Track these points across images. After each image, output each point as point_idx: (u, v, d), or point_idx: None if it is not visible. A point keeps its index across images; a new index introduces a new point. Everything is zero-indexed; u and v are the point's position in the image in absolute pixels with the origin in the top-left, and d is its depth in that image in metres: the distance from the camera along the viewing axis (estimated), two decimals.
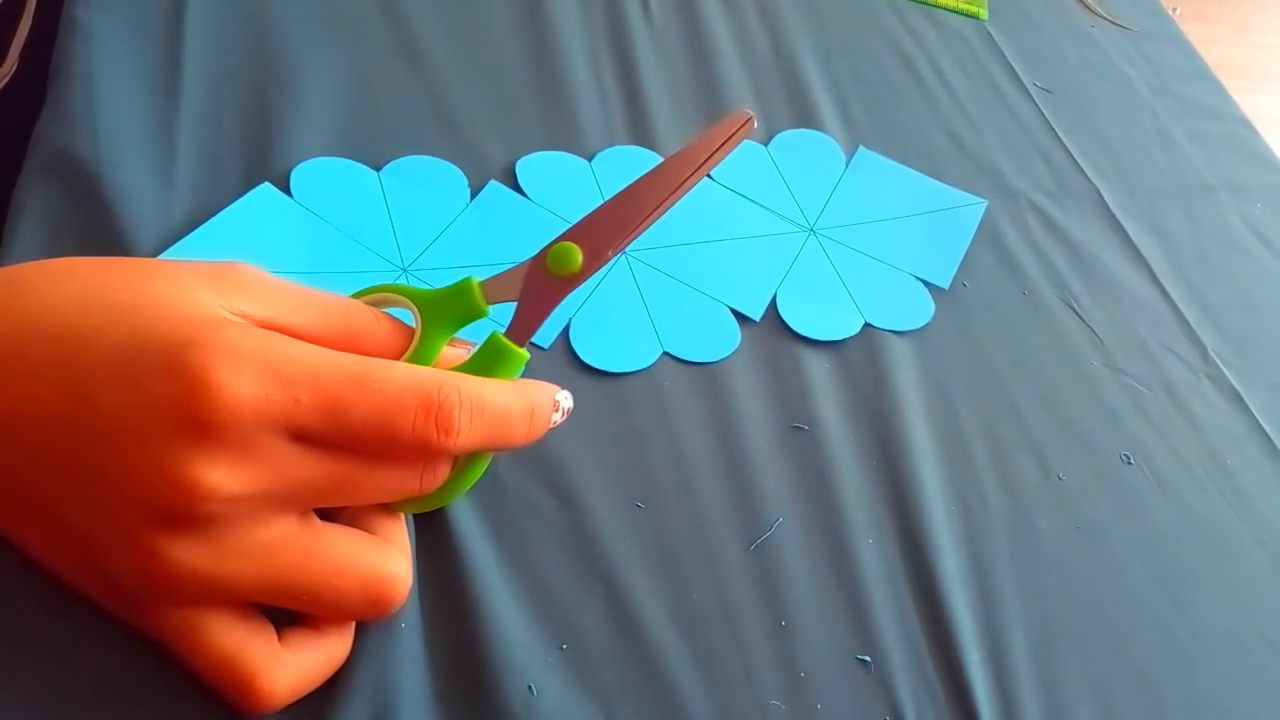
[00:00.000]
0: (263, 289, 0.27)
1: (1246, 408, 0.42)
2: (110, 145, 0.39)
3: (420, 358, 0.29)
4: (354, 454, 0.26)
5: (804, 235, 0.43)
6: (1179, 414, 0.41)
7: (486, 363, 0.29)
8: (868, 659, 0.32)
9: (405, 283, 0.38)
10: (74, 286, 0.26)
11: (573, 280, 0.30)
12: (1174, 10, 0.62)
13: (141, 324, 0.25)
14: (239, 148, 0.40)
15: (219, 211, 0.38)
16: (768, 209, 0.43)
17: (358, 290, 0.31)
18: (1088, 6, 0.59)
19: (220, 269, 0.27)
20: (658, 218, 0.31)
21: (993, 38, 0.55)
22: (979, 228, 0.45)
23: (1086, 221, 0.47)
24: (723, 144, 0.31)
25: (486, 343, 0.29)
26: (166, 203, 0.38)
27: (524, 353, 0.29)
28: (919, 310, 0.41)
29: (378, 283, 0.32)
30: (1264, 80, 1.74)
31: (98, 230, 0.36)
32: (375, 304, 0.30)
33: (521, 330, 0.30)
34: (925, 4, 0.56)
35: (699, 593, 0.32)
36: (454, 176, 0.41)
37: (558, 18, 0.49)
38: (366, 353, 0.27)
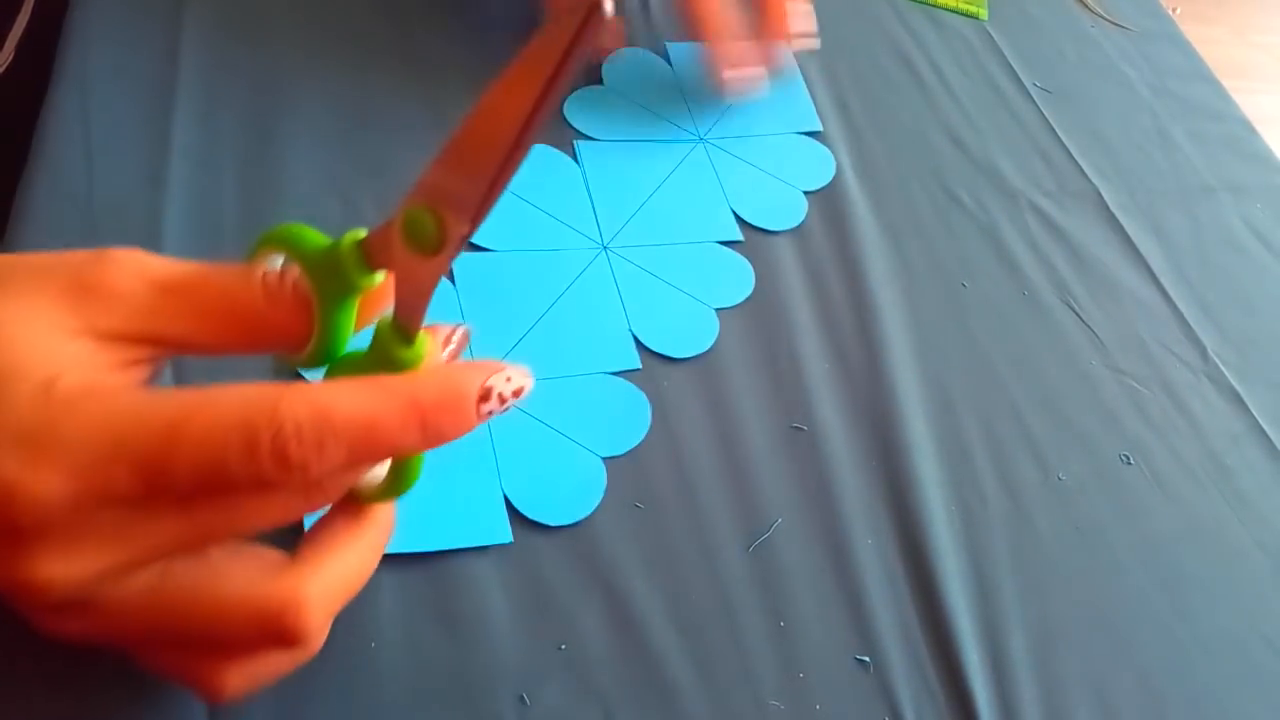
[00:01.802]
0: (130, 292, 0.24)
1: (1246, 408, 0.42)
2: (105, 145, 0.39)
3: (324, 347, 0.25)
4: (203, 502, 0.23)
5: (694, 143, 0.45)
6: (1179, 414, 0.41)
7: (377, 358, 0.25)
8: (867, 659, 0.32)
9: (606, 261, 0.40)
10: None
11: (439, 258, 0.24)
12: (1174, 10, 0.62)
13: None
14: (235, 149, 0.40)
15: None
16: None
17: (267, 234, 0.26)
18: (1087, 7, 0.59)
19: (82, 273, 0.24)
20: (519, 162, 0.23)
21: (992, 38, 0.55)
22: (979, 228, 0.45)
23: (1086, 222, 0.47)
24: (570, 45, 0.21)
25: (374, 332, 0.25)
26: (159, 204, 0.38)
27: (417, 340, 0.25)
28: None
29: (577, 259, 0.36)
30: (1263, 80, 1.74)
31: (93, 231, 0.36)
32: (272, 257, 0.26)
33: (407, 315, 0.25)
34: (925, 4, 0.56)
35: (698, 593, 0.32)
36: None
37: None
38: (266, 337, 0.25)
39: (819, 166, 0.46)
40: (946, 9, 0.56)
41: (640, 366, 0.37)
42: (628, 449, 0.35)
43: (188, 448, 0.22)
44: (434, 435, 0.24)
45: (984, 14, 0.56)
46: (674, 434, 0.36)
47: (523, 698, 0.30)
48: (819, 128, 0.47)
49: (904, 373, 0.39)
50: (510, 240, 0.40)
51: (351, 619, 0.30)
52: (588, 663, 0.30)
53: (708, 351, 0.38)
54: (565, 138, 0.44)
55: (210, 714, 0.28)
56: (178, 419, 0.22)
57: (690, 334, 0.39)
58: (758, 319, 0.40)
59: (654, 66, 0.48)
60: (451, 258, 0.24)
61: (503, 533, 0.33)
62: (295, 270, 0.25)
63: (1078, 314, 0.43)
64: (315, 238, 0.25)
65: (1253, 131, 0.54)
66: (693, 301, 0.40)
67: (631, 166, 0.43)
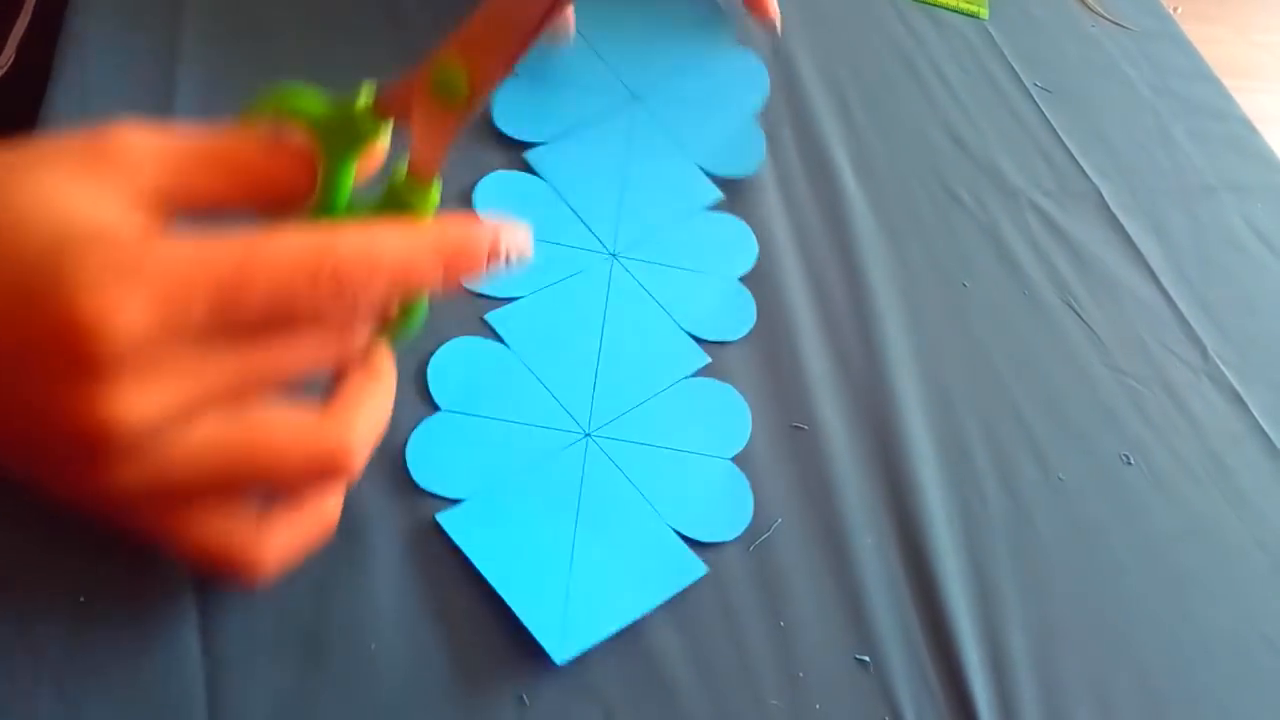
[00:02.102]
0: (145, 157, 0.25)
1: (1246, 408, 0.42)
2: None
3: (327, 200, 0.27)
4: (260, 340, 0.25)
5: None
6: (1179, 414, 0.41)
7: (392, 204, 0.27)
8: (867, 659, 0.32)
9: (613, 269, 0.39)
10: None
11: (463, 111, 0.27)
12: (1175, 10, 0.62)
13: (3, 254, 0.23)
14: None
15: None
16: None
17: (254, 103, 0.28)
18: (1088, 6, 0.59)
19: (92, 145, 0.25)
20: (554, 19, 0.26)
21: (993, 37, 0.55)
22: (980, 227, 0.45)
23: (1087, 221, 0.47)
24: None
25: (389, 181, 0.27)
26: None
27: (432, 187, 0.27)
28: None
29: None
30: (1265, 80, 1.74)
31: None
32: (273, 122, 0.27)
33: (424, 164, 0.27)
34: (925, 3, 0.56)
35: (698, 592, 0.32)
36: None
37: None
38: (274, 191, 0.27)
39: (741, 247, 0.42)
40: (947, 8, 0.56)
41: (710, 360, 0.38)
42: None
43: (259, 280, 0.23)
44: (451, 278, 0.26)
45: (984, 13, 0.56)
46: None
47: (522, 698, 0.30)
48: (720, 196, 0.43)
49: (904, 372, 0.39)
50: (530, 282, 0.38)
51: (351, 619, 0.30)
52: (587, 662, 0.30)
53: (706, 364, 0.39)
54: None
55: (210, 716, 0.28)
56: (246, 255, 0.23)
57: (732, 315, 0.39)
58: (758, 319, 0.40)
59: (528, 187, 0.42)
60: (476, 110, 0.26)
61: (696, 567, 0.33)
62: (292, 128, 0.27)
63: (1078, 313, 0.43)
64: (314, 97, 0.27)
65: (1254, 131, 0.54)
66: (718, 279, 0.40)
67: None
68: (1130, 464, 0.39)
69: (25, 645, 0.28)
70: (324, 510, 0.29)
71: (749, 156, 0.44)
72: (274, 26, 0.45)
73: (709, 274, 0.41)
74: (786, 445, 0.37)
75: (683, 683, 0.31)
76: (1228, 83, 0.57)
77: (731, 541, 0.34)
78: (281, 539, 0.27)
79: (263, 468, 0.26)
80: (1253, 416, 0.41)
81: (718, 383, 0.38)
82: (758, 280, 0.41)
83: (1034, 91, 0.52)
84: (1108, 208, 0.48)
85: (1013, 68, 0.53)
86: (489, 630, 0.30)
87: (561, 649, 0.30)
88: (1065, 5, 0.58)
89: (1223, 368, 0.43)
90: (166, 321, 0.22)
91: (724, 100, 0.46)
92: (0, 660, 0.28)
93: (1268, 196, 0.51)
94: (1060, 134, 0.50)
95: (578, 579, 0.31)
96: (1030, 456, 0.38)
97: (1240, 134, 0.54)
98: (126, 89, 0.41)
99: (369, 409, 0.28)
